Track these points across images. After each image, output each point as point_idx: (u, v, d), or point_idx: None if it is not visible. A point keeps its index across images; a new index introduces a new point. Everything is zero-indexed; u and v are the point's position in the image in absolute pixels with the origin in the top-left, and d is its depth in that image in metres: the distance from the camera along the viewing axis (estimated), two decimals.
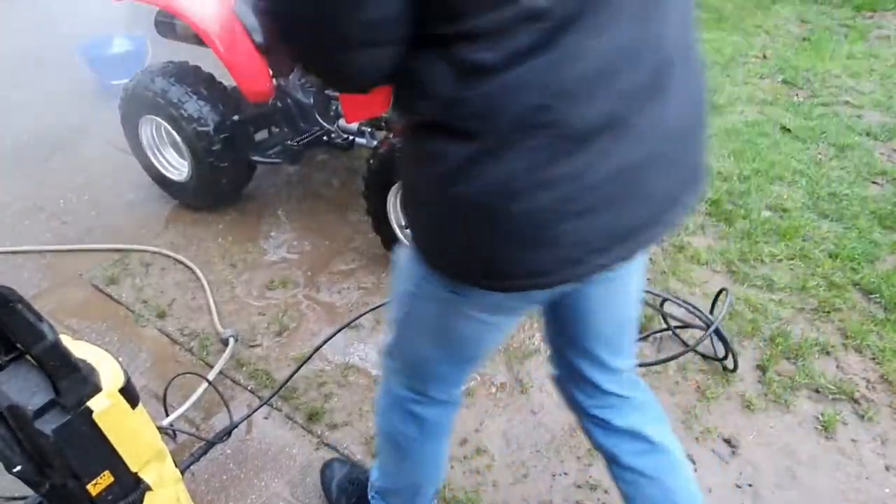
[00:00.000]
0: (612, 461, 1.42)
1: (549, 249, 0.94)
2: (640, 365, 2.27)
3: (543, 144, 0.87)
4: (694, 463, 1.95)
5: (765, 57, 4.45)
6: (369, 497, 1.75)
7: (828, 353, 2.27)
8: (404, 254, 1.22)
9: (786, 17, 5.07)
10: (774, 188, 3.09)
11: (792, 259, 2.67)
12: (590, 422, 1.42)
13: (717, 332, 2.21)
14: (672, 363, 2.25)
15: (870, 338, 2.31)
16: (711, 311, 2.34)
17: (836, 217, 2.88)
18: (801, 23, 4.96)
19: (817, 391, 2.15)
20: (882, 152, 3.35)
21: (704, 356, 2.27)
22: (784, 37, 4.73)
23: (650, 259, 2.69)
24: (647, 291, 2.43)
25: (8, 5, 5.77)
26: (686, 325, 2.35)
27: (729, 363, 2.21)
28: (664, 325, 2.37)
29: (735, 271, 2.62)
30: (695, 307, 2.34)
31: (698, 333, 2.29)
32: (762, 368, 2.22)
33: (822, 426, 2.04)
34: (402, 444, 1.50)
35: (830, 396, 2.13)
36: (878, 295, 2.47)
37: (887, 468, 1.93)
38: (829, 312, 2.42)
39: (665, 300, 2.42)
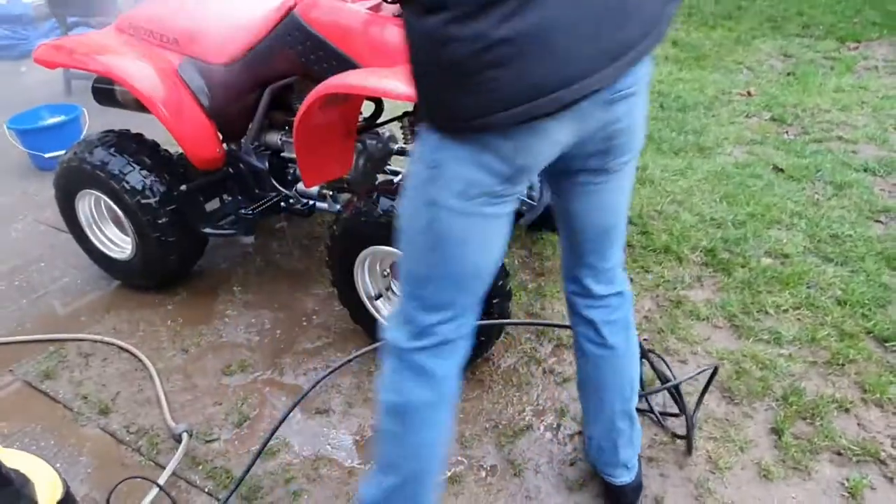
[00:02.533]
0: (576, 340, 1.87)
1: (473, 96, 1.21)
2: None
3: (456, 6, 1.14)
4: None
5: (749, 94, 4.61)
6: None
7: (847, 411, 2.27)
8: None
9: (767, 52, 5.29)
10: (772, 232, 3.15)
11: (798, 308, 2.70)
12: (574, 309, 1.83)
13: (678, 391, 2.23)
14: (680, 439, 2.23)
15: (889, 390, 2.32)
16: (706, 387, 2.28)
17: (840, 260, 2.94)
18: (784, 57, 5.17)
19: (839, 454, 2.14)
20: (882, 188, 3.45)
21: (666, 428, 2.21)
22: (768, 72, 4.92)
23: (646, 317, 2.71)
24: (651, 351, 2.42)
25: None
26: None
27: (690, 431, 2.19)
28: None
29: (738, 325, 2.64)
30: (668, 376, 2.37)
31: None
32: (777, 432, 2.21)
33: (849, 492, 2.02)
34: (409, 412, 1.57)
35: (854, 458, 2.12)
36: (893, 343, 2.50)
37: None
38: (843, 365, 2.44)
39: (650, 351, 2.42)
